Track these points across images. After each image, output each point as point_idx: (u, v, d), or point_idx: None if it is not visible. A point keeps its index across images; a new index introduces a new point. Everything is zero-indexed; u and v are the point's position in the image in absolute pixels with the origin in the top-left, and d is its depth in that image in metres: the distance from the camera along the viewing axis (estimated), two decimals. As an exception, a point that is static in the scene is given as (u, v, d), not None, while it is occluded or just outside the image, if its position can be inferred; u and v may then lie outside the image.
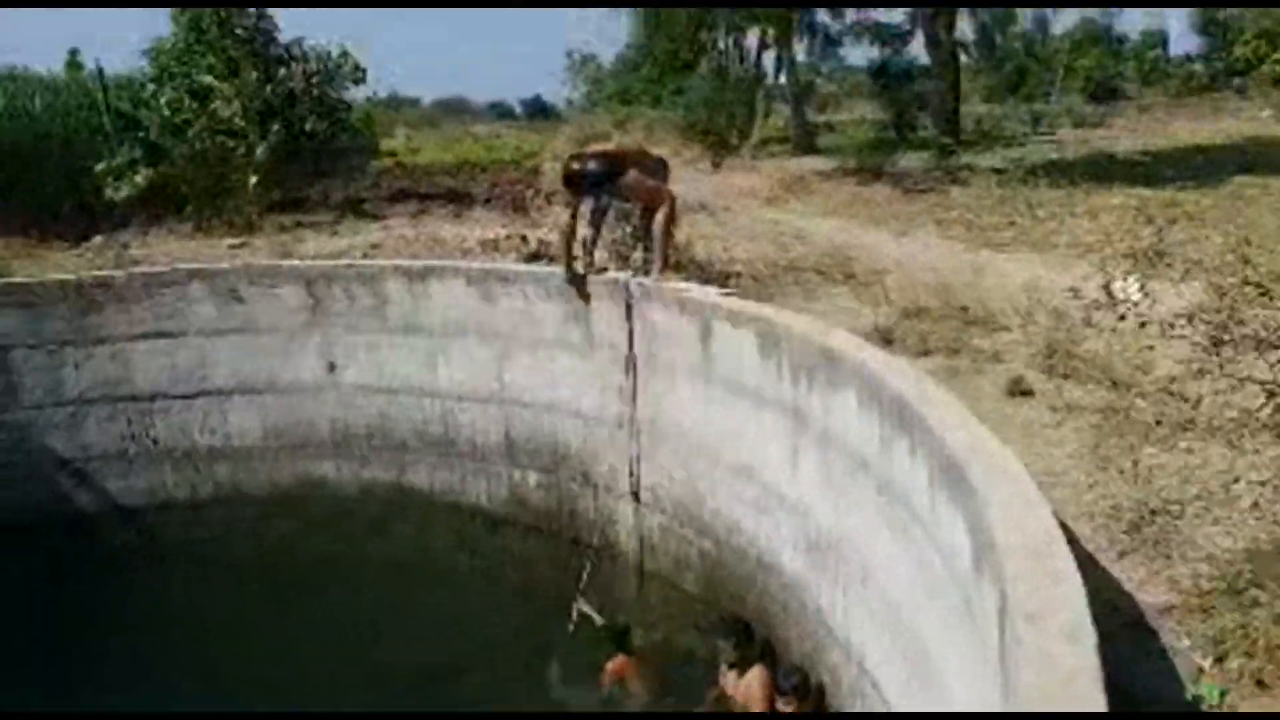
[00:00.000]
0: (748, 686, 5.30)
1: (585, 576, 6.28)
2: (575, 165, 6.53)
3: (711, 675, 5.57)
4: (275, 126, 13.33)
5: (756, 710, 5.24)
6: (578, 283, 6.53)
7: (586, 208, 6.58)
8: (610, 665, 5.77)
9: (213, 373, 7.41)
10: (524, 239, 10.11)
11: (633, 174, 6.38)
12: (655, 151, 6.83)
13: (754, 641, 5.44)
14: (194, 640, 6.27)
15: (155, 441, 7.44)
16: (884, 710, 4.37)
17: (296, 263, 8.29)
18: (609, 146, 6.65)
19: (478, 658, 6.06)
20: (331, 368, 7.38)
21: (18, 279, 7.81)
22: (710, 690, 5.58)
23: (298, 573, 7.15)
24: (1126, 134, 18.52)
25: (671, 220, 6.53)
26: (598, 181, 6.38)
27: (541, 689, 5.81)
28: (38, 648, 6.14)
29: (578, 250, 6.65)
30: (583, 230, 6.68)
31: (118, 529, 7.44)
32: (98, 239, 11.36)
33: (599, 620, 6.10)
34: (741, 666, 5.34)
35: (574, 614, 6.13)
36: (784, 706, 4.90)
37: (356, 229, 11.84)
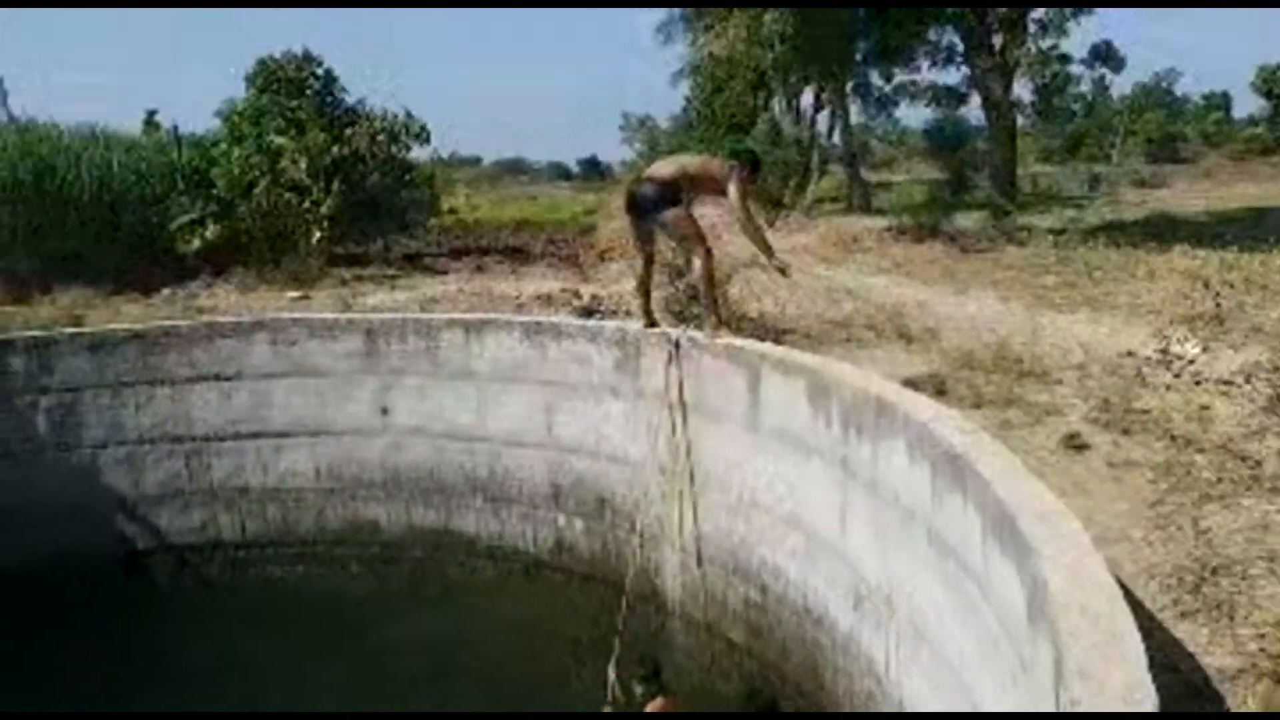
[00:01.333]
0: None
1: (622, 623, 6.20)
2: (633, 188, 6.30)
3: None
4: (338, 184, 13.75)
5: None
6: (653, 327, 6.49)
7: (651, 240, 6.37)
8: (651, 705, 5.68)
9: (268, 415, 7.57)
10: (577, 294, 10.25)
11: (671, 213, 6.01)
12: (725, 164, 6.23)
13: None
14: (237, 679, 6.33)
15: (210, 482, 7.60)
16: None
17: (355, 315, 8.49)
18: (668, 168, 6.18)
19: (518, 703, 6.02)
20: (384, 412, 7.50)
21: (89, 328, 8.10)
22: None
23: (343, 614, 7.20)
24: (1187, 195, 18.26)
25: (708, 269, 6.14)
26: (651, 207, 6.07)
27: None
28: (87, 684, 6.21)
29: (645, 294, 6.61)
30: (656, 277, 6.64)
31: (169, 567, 7.57)
32: (166, 291, 11.75)
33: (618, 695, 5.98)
34: None
35: (609, 683, 6.03)
36: None
37: (416, 283, 12.10)
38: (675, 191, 6.02)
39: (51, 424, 7.32)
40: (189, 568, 7.59)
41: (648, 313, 6.64)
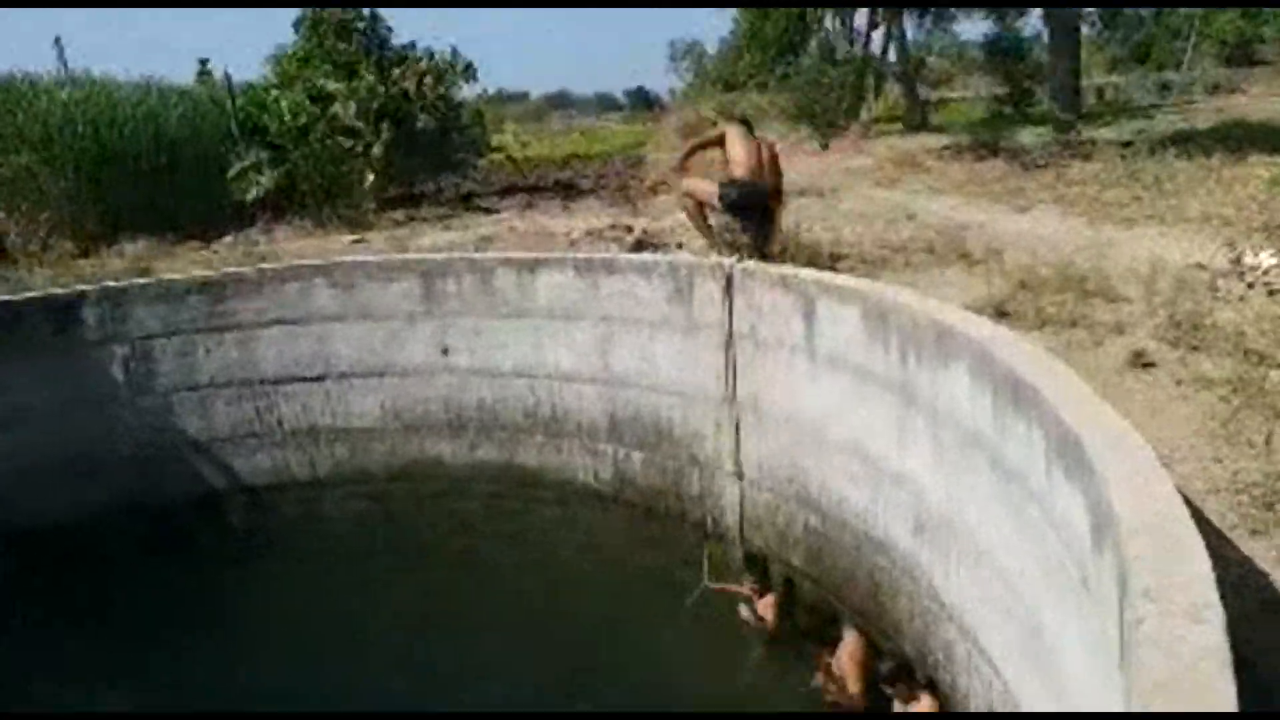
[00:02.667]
0: (839, 657, 5.28)
1: (707, 556, 6.36)
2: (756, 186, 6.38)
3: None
4: (389, 125, 13.78)
5: (852, 686, 5.18)
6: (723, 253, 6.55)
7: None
8: (757, 600, 5.97)
9: (333, 357, 7.73)
10: (628, 228, 10.21)
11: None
12: (736, 126, 6.52)
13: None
14: (314, 616, 6.54)
15: (280, 423, 7.82)
16: (1001, 687, 4.27)
17: (411, 256, 8.57)
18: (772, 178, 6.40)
19: (596, 631, 6.18)
20: (445, 352, 7.61)
21: (161, 277, 8.31)
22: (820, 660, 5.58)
23: (415, 549, 7.42)
24: (1264, 100, 17.43)
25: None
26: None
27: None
28: (165, 622, 6.47)
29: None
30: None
31: (243, 507, 7.84)
32: (228, 238, 11.98)
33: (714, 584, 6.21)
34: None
35: (700, 590, 6.22)
36: (891, 694, 4.82)
37: (468, 223, 12.15)
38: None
39: (126, 372, 7.56)
40: (263, 507, 7.85)
41: (714, 245, 6.71)
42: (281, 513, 7.86)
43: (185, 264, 10.05)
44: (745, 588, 6.10)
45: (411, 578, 7.02)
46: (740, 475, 6.43)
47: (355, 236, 11.41)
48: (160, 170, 13.70)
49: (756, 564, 6.16)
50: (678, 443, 6.85)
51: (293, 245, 11.17)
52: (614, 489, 7.29)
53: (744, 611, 6.07)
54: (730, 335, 6.23)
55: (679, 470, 6.89)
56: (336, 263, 8.03)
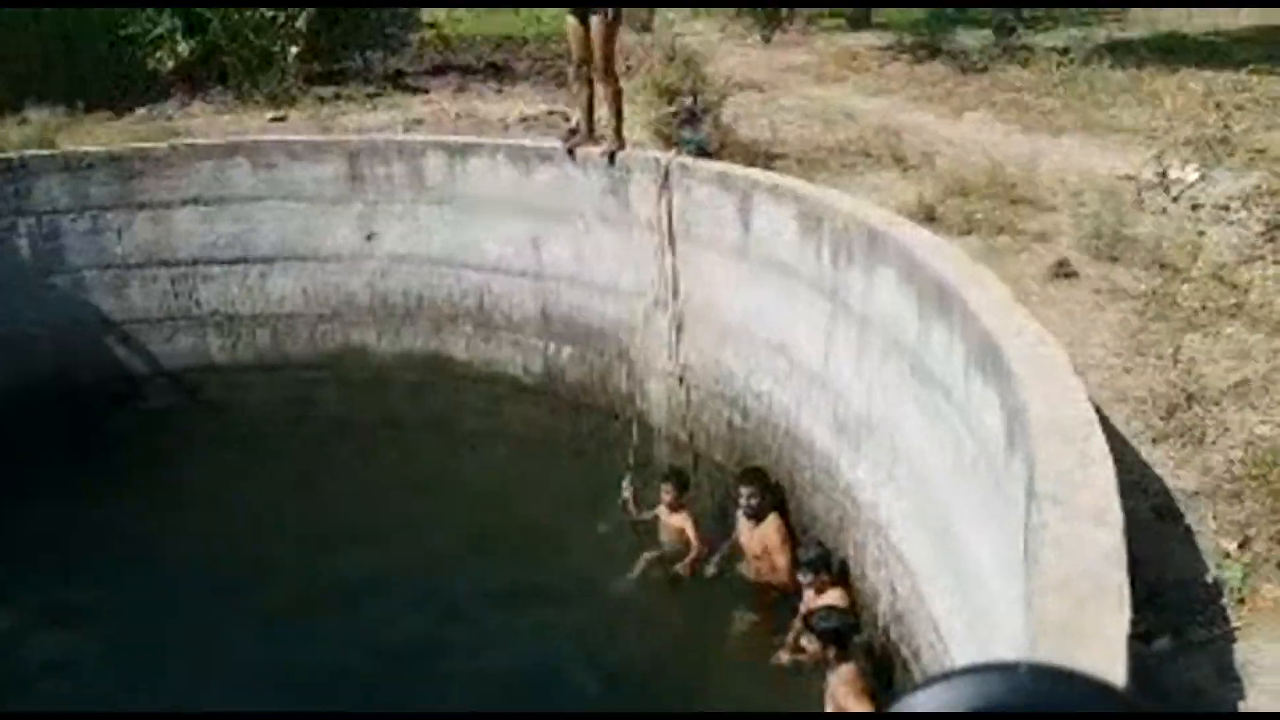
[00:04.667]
0: (765, 534, 5.44)
1: (632, 452, 6.42)
2: None
3: (729, 529, 5.75)
4: (313, -6, 13.04)
5: (778, 560, 5.39)
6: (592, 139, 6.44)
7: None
8: (671, 516, 5.98)
9: (254, 240, 7.49)
10: (565, 116, 9.94)
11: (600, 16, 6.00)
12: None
13: (770, 490, 5.55)
14: (234, 499, 6.53)
15: (198, 306, 7.59)
16: (910, 583, 4.46)
17: (336, 136, 8.25)
18: None
19: (516, 521, 6.28)
20: (370, 237, 7.42)
21: (63, 149, 7.86)
22: (723, 545, 5.76)
23: (338, 435, 7.39)
24: (1199, 14, 17.54)
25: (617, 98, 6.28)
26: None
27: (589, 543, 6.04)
28: (79, 506, 6.38)
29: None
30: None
31: (162, 391, 7.66)
32: (140, 111, 11.36)
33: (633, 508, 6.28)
34: (759, 515, 5.47)
35: (624, 492, 6.30)
36: (804, 579, 5.01)
37: (397, 103, 11.69)
38: None
39: (33, 249, 7.23)
40: (182, 391, 7.68)
41: (590, 128, 6.51)
42: (201, 397, 7.71)
43: (94, 136, 9.54)
44: (662, 500, 6.02)
45: (334, 464, 7.00)
46: (671, 373, 6.47)
47: (276, 114, 10.90)
48: (63, 37, 12.85)
49: (678, 475, 6.08)
50: (608, 339, 6.84)
51: (209, 121, 10.65)
52: (543, 383, 7.29)
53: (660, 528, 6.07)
54: (666, 232, 6.18)
55: (608, 366, 6.91)
56: (257, 141, 7.71)
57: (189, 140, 7.99)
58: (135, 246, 7.40)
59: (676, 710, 4.93)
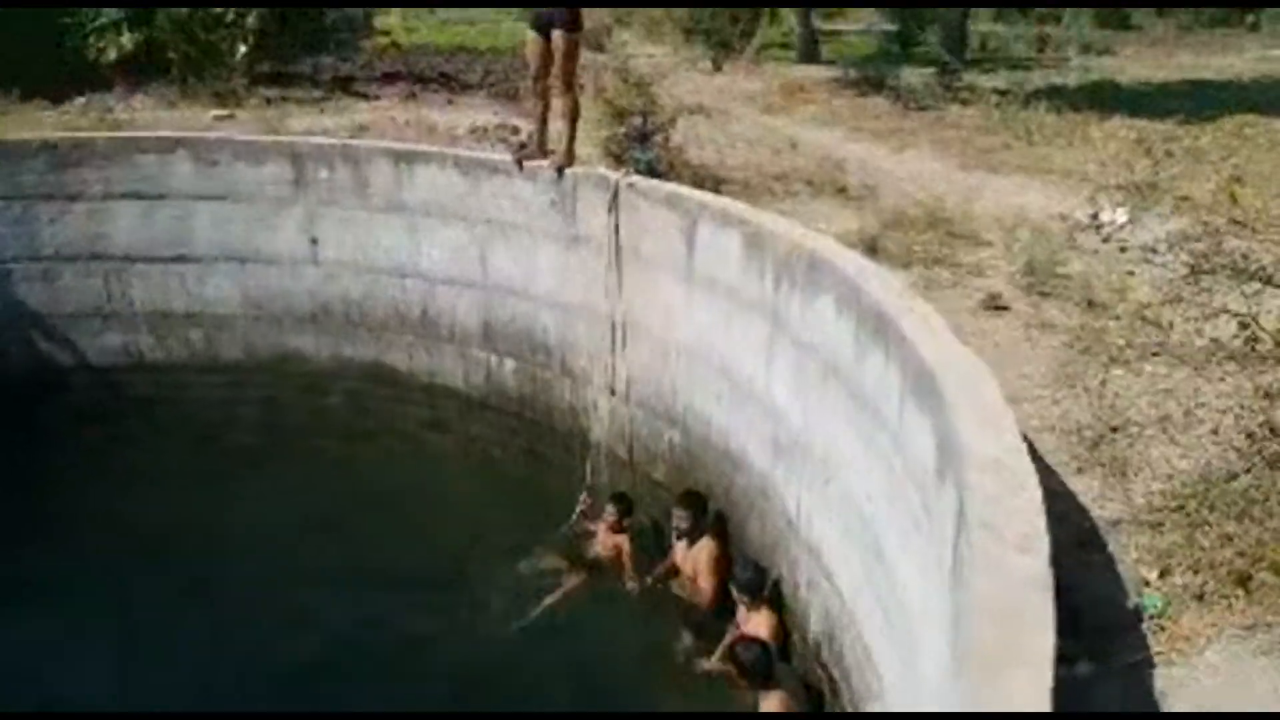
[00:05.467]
0: (695, 556, 5.48)
1: (589, 468, 6.42)
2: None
3: (665, 549, 5.78)
4: (264, -7, 12.88)
5: (704, 583, 5.43)
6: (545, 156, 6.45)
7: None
8: (611, 537, 6.00)
9: (192, 238, 7.34)
10: (514, 129, 9.95)
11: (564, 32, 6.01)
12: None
13: (706, 513, 5.60)
14: (158, 499, 6.37)
15: (131, 303, 7.41)
16: (839, 603, 4.52)
17: (282, 137, 8.15)
18: None
19: (446, 533, 6.21)
20: (314, 242, 7.33)
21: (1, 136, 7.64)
22: (660, 564, 5.78)
23: (269, 440, 7.26)
24: (1133, 64, 18.22)
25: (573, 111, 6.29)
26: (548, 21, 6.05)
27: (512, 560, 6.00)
28: (10, 499, 6.21)
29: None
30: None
31: (89, 387, 7.46)
32: (79, 100, 11.08)
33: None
34: (692, 537, 5.51)
35: (580, 505, 6.31)
36: (737, 598, 5.05)
37: (346, 108, 11.59)
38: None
39: (-42, 236, 7.01)
40: (110, 388, 7.48)
41: (542, 142, 6.54)
42: (129, 395, 7.51)
43: (30, 124, 9.28)
44: (604, 520, 6.06)
45: (263, 468, 6.86)
46: (613, 390, 6.49)
47: (222, 112, 10.72)
48: (8, 22, 12.49)
49: (623, 498, 6.13)
50: (552, 353, 6.84)
51: (151, 115, 10.43)
52: (485, 395, 7.26)
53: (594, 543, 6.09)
54: (612, 249, 6.21)
55: (552, 381, 6.90)
56: (200, 137, 7.57)
57: (129, 133, 7.83)
58: (69, 239, 7.20)
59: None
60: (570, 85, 6.22)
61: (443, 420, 7.39)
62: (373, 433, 7.41)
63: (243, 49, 12.58)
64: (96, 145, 7.21)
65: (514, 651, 5.36)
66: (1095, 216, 6.50)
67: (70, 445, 6.93)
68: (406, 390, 7.45)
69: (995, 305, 5.47)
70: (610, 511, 6.01)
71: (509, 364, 7.08)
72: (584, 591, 5.78)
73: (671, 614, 5.60)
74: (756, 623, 4.93)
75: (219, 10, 12.60)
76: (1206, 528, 3.54)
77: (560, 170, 6.35)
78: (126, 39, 12.47)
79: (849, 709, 4.34)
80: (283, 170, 7.24)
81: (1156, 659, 3.12)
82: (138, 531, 6.01)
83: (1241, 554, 3.34)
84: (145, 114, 10.45)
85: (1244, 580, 3.29)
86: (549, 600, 5.69)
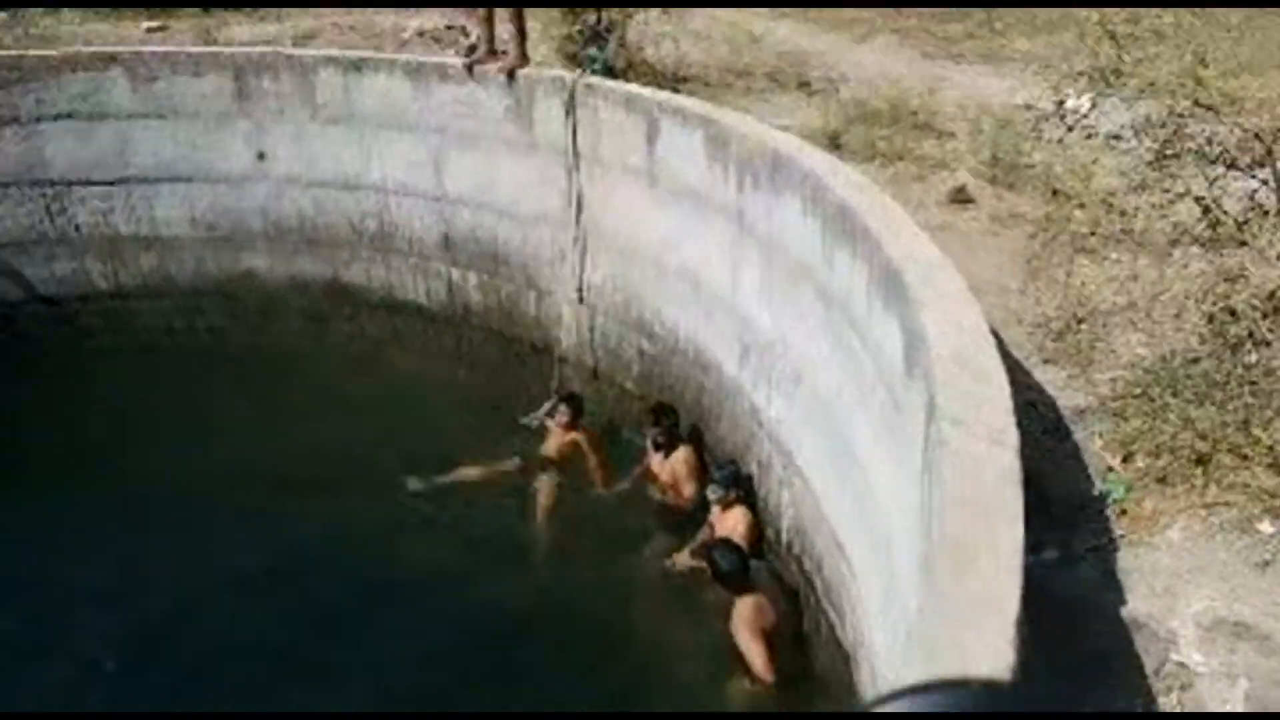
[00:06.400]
0: (674, 465, 5.52)
1: (557, 378, 6.38)
2: None
3: (639, 457, 5.80)
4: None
5: (685, 490, 5.48)
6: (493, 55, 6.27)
7: None
8: (565, 435, 5.96)
9: (134, 159, 7.07)
10: (464, 31, 9.60)
11: None
12: None
13: (679, 424, 5.63)
14: (120, 430, 6.25)
15: (77, 229, 7.17)
16: (812, 501, 4.57)
17: (222, 49, 7.81)
18: None
19: (415, 447, 6.15)
20: (261, 157, 7.09)
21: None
22: (635, 469, 5.81)
23: (229, 363, 7.11)
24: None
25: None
26: None
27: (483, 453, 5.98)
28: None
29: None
30: None
31: (38, 318, 7.25)
32: (2, 15, 10.53)
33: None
34: (668, 447, 5.54)
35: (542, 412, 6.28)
36: (712, 495, 5.10)
37: (286, 14, 11.11)
38: None
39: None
40: (62, 320, 7.28)
41: (491, 45, 6.35)
42: (82, 324, 7.32)
43: (-49, 43, 8.82)
44: (558, 420, 6.04)
45: (219, 393, 6.70)
46: (580, 300, 6.41)
47: (155, 23, 10.24)
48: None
49: (572, 398, 6.13)
50: (515, 265, 6.73)
51: (82, 29, 9.95)
52: (447, 310, 7.15)
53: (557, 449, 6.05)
54: (572, 155, 6.06)
55: (516, 293, 6.81)
56: (135, 51, 7.22)
57: (60, 50, 7.45)
58: (3, 164, 6.91)
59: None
60: None
61: (404, 336, 7.29)
62: (330, 351, 7.28)
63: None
64: (25, 64, 6.85)
65: (498, 556, 5.39)
66: (1060, 105, 6.41)
67: (25, 378, 6.74)
68: (364, 307, 7.33)
69: (961, 198, 5.42)
70: (563, 411, 6.01)
71: (471, 277, 6.96)
72: (556, 497, 5.80)
73: (647, 512, 5.64)
74: (732, 521, 4.98)
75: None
76: (1168, 412, 3.59)
77: (511, 73, 6.15)
78: (49, -54, 11.79)
79: (823, 604, 4.43)
80: (225, 83, 6.95)
81: (1120, 541, 3.19)
82: (105, 462, 5.92)
83: (1202, 436, 3.40)
84: (73, 28, 9.97)
85: (1204, 461, 3.36)
86: (538, 518, 5.71)
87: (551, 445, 6.00)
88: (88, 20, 10.48)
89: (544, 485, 5.79)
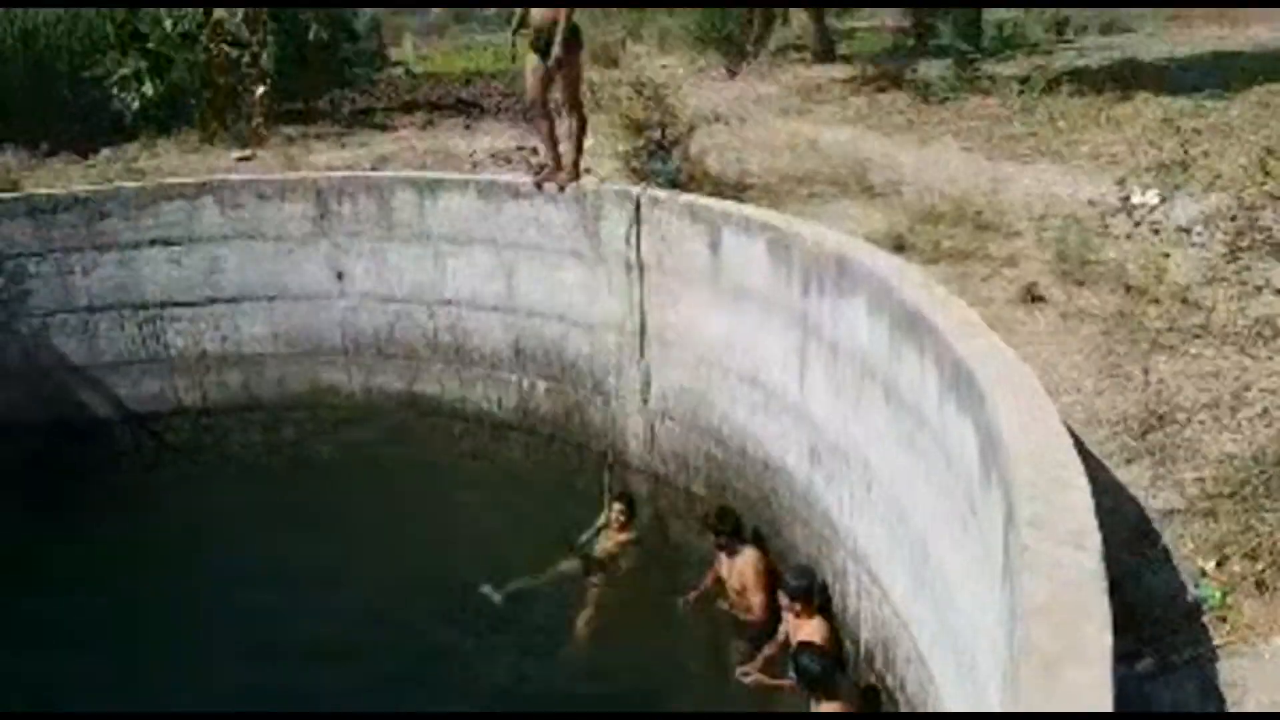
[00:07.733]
0: (741, 567, 5.42)
1: (611, 481, 6.41)
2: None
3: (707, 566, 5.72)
4: (275, 35, 13.06)
5: (753, 599, 5.36)
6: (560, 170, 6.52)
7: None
8: (619, 534, 6.03)
9: (222, 280, 7.42)
10: (534, 150, 9.97)
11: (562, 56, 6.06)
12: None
13: (742, 526, 5.58)
14: (206, 542, 6.42)
15: (166, 348, 7.50)
16: (890, 609, 4.44)
17: (304, 174, 8.23)
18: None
19: (487, 559, 6.18)
20: (340, 276, 7.38)
21: (28, 190, 7.79)
22: (702, 578, 5.72)
23: (311, 477, 7.30)
24: (1154, 40, 17.96)
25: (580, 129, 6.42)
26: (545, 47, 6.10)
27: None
28: (45, 550, 6.29)
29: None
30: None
31: (130, 435, 7.55)
32: (105, 152, 11.27)
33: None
34: (732, 549, 5.47)
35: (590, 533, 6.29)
36: (787, 607, 4.98)
37: (365, 140, 11.70)
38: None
39: (-3, 292, 7.13)
40: (151, 435, 7.56)
41: (558, 162, 6.61)
42: (170, 440, 7.59)
43: (60, 178, 9.45)
44: (612, 519, 6.13)
45: (305, 503, 6.86)
46: (646, 405, 6.45)
47: (243, 154, 10.86)
48: (30, 78, 12.75)
49: (626, 498, 6.21)
50: (583, 372, 6.82)
51: (176, 161, 10.59)
52: (518, 418, 7.25)
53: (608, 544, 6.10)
54: (638, 264, 6.19)
55: (584, 400, 6.88)
56: (224, 180, 7.66)
57: (156, 181, 7.94)
58: (101, 289, 7.31)
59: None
60: (574, 101, 6.26)
61: (477, 446, 7.39)
62: (409, 461, 7.41)
63: (260, 90, 12.76)
64: (125, 195, 7.31)
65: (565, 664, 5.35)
66: (1126, 199, 6.36)
67: (105, 494, 6.99)
68: (439, 417, 7.46)
69: (1031, 296, 5.36)
70: (619, 510, 6.10)
71: (541, 385, 7.07)
72: (610, 598, 5.75)
73: (721, 627, 5.54)
74: (809, 631, 4.85)
75: (235, 54, 12.80)
76: (1261, 513, 3.43)
77: (562, 187, 6.38)
78: (148, 88, 12.68)
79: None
80: (306, 206, 7.31)
81: (1220, 650, 3.02)
82: (190, 570, 6.05)
83: (1301, 537, 3.24)
84: (169, 160, 10.61)
85: (1304, 564, 3.19)
86: (582, 618, 5.66)
87: (607, 546, 6.00)
88: (183, 153, 11.16)
89: (590, 591, 5.82)
